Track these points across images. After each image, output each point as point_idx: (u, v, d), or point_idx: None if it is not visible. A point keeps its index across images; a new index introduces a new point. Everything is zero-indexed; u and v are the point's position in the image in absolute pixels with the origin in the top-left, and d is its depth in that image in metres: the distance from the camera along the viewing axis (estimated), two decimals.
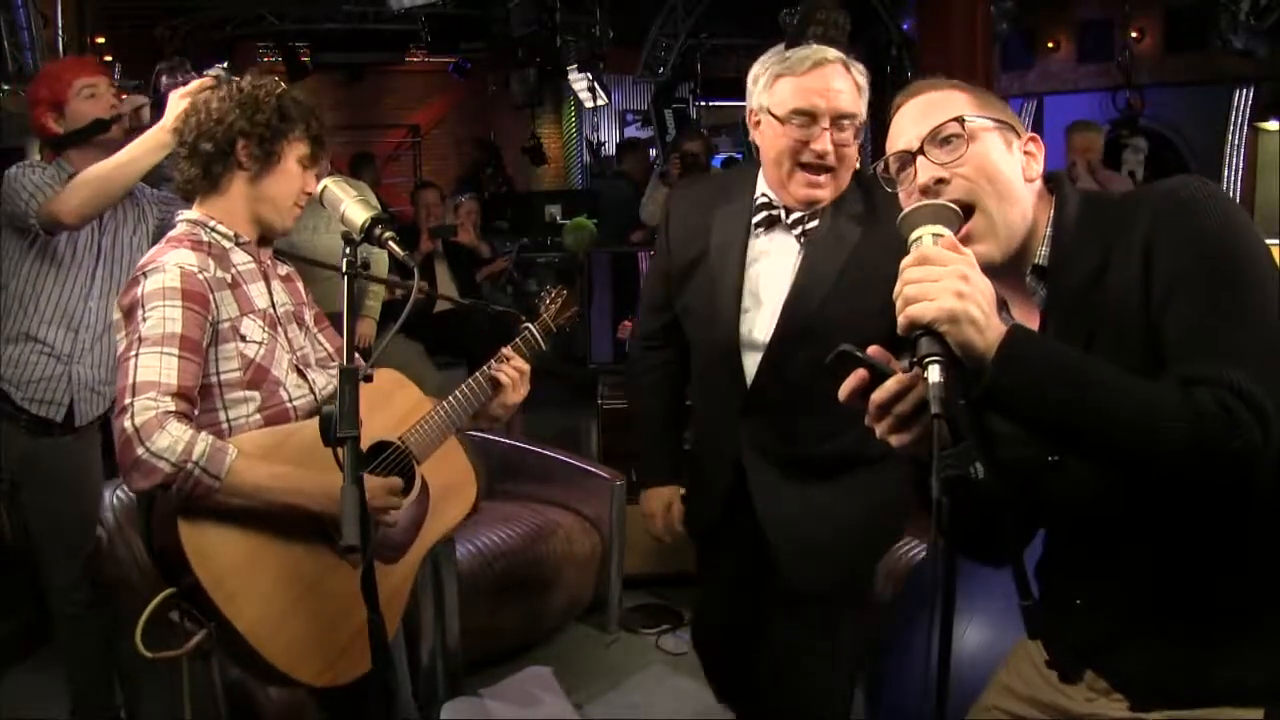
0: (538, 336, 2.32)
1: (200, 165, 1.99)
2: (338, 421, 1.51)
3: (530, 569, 3.67)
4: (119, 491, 2.87)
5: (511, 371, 2.22)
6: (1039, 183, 1.45)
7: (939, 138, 1.39)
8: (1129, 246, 1.32)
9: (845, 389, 1.30)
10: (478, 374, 2.22)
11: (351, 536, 1.47)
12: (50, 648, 3.72)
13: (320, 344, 2.19)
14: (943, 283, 1.21)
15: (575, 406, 5.61)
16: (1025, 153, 1.44)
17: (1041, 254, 1.42)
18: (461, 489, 2.24)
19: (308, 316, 2.18)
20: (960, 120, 1.39)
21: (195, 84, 2.25)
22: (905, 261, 1.26)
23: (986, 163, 1.38)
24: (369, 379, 2.17)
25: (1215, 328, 1.24)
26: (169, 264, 1.91)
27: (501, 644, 3.65)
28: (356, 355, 1.69)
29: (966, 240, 1.34)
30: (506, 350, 2.25)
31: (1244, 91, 7.62)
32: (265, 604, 1.86)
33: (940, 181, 1.38)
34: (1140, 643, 1.39)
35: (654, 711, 3.38)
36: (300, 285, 2.21)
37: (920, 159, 1.40)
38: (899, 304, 1.24)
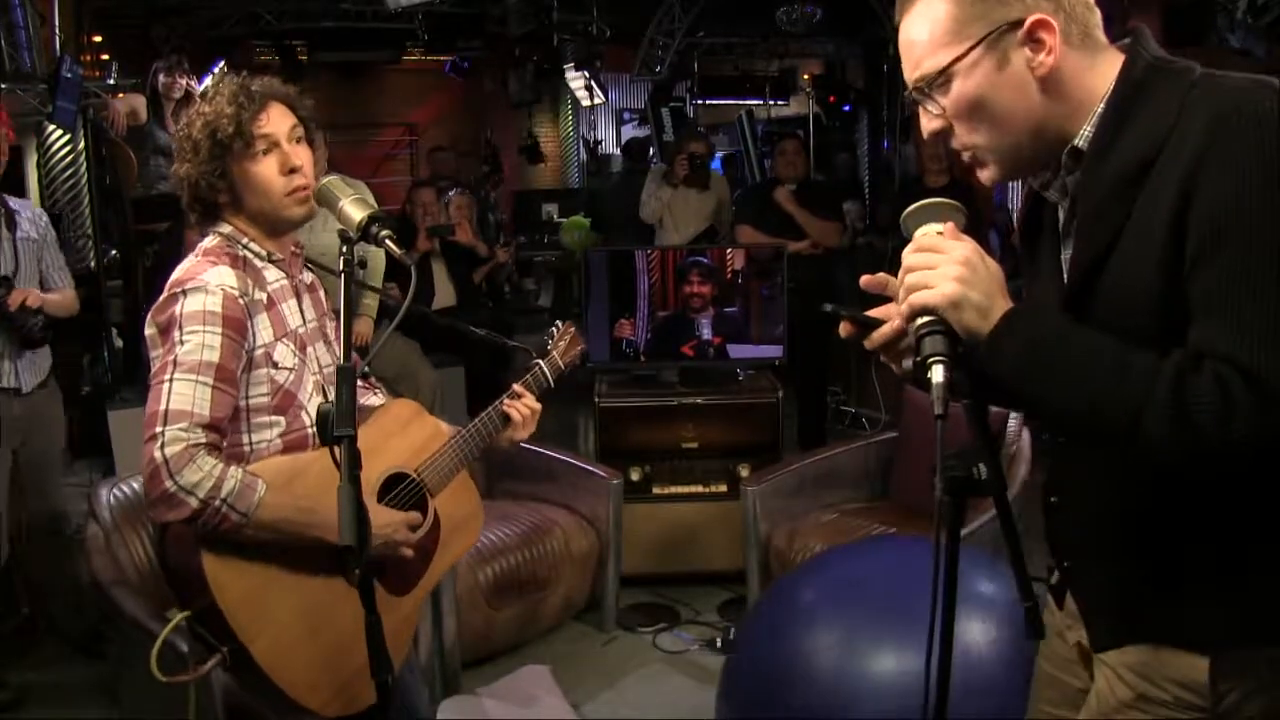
0: (547, 375, 2.32)
1: (198, 216, 1.97)
2: (334, 420, 1.51)
3: (528, 568, 3.67)
4: (116, 490, 2.86)
5: (524, 409, 2.22)
6: (1096, 53, 1.28)
7: (921, 92, 1.32)
8: (1180, 149, 1.19)
9: (843, 333, 1.37)
10: (489, 410, 2.21)
11: (349, 536, 1.46)
12: (50, 647, 3.74)
13: (339, 357, 2.13)
14: (943, 269, 1.22)
15: (573, 405, 5.61)
16: (1031, 45, 1.25)
17: (1085, 134, 1.28)
18: (470, 522, 2.24)
19: (329, 329, 2.13)
20: (928, 78, 1.30)
21: None
22: (908, 249, 1.27)
23: (969, 102, 1.28)
24: (365, 376, 2.20)
25: (1240, 292, 1.14)
26: (211, 284, 1.85)
27: (499, 642, 3.65)
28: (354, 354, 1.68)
29: (973, 163, 1.34)
30: (518, 387, 2.24)
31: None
32: (280, 631, 1.85)
33: (939, 134, 1.33)
34: (1100, 558, 1.39)
35: (651, 710, 3.38)
36: (322, 295, 2.16)
37: (920, 109, 1.35)
38: (901, 292, 1.25)
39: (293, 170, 1.94)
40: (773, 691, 2.45)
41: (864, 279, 1.34)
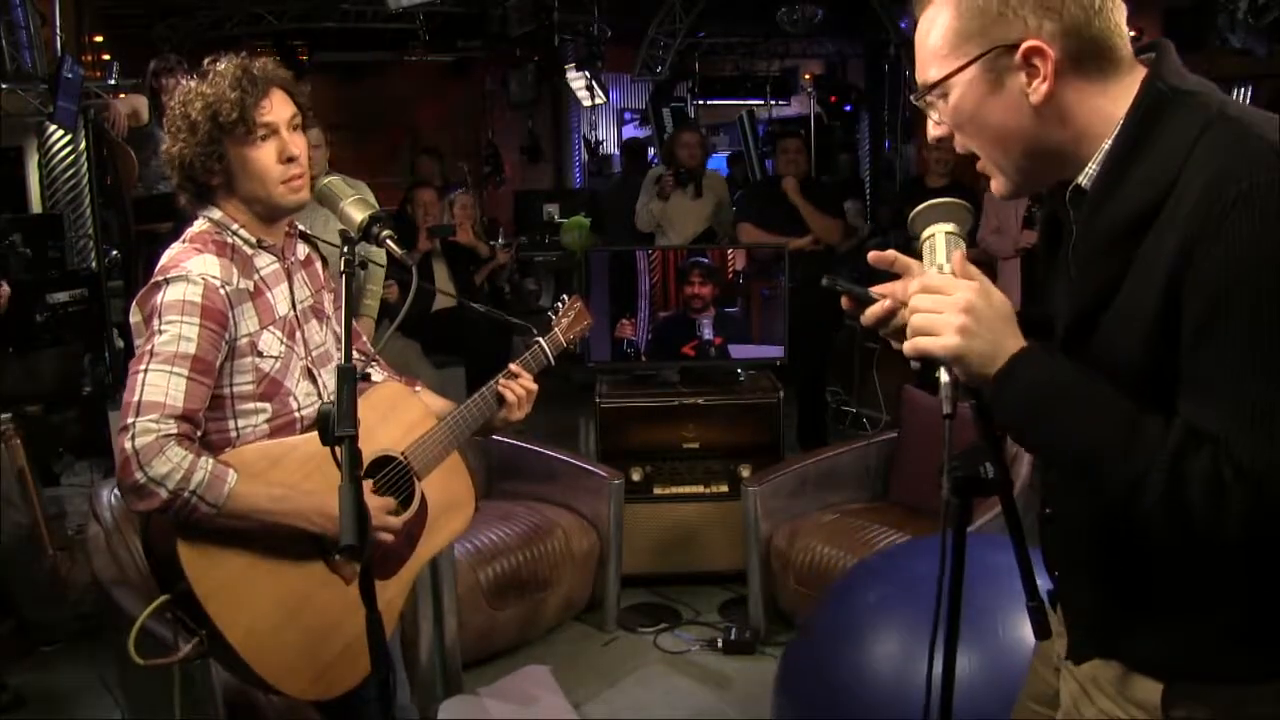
0: (548, 352, 2.29)
1: (189, 197, 1.96)
2: (335, 421, 1.51)
3: (528, 568, 3.67)
4: (117, 490, 2.86)
5: (519, 389, 2.19)
6: (1112, 77, 1.22)
7: (925, 99, 1.30)
8: (1179, 210, 1.13)
9: (845, 306, 1.38)
10: (484, 389, 2.19)
11: (350, 536, 1.46)
12: (49, 648, 3.74)
13: (336, 332, 2.12)
14: (945, 316, 1.20)
15: (574, 405, 5.61)
16: (1027, 69, 1.20)
17: (1090, 173, 1.24)
18: (460, 505, 2.22)
19: (327, 303, 2.12)
20: (927, 87, 1.28)
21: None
22: (912, 288, 1.25)
23: (966, 115, 1.26)
24: (366, 377, 2.20)
25: (1237, 375, 1.10)
26: (194, 273, 1.85)
27: (500, 643, 3.65)
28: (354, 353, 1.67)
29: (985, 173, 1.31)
30: (515, 367, 2.22)
31: (1242, 90, 7.62)
32: (257, 618, 1.86)
33: (941, 140, 1.32)
34: (1081, 572, 1.39)
35: (651, 710, 3.38)
36: (319, 267, 2.15)
37: (927, 113, 1.33)
38: (908, 332, 1.24)
39: (290, 159, 1.93)
40: (835, 693, 2.46)
41: (871, 255, 1.33)
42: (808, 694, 2.60)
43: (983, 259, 5.11)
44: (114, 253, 5.99)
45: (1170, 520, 1.13)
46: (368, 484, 1.99)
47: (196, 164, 1.91)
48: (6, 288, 3.52)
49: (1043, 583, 1.45)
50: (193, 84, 1.93)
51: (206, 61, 1.94)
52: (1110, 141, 1.21)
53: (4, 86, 5.30)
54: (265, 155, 1.92)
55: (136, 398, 1.78)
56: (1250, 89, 7.60)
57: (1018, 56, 1.20)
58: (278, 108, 1.93)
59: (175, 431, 1.77)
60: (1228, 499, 1.09)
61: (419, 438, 2.11)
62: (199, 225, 1.96)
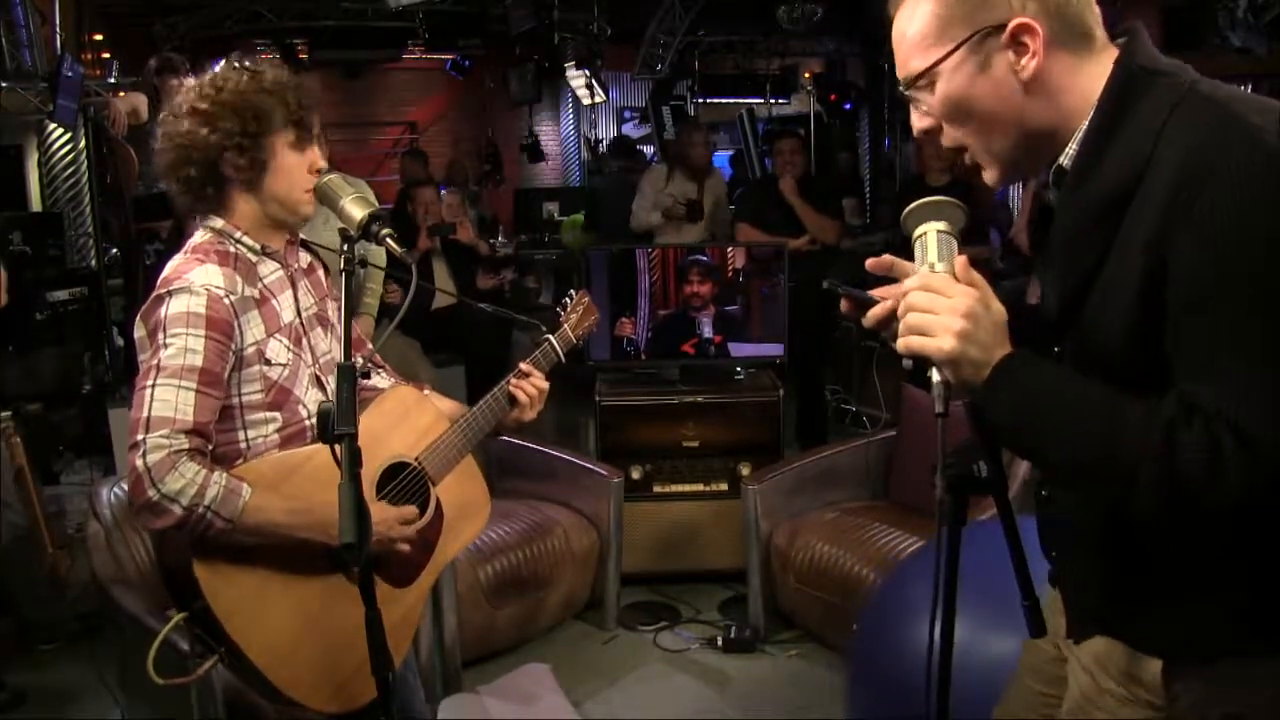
0: (557, 349, 2.28)
1: (195, 190, 1.91)
2: (335, 419, 1.50)
3: (528, 566, 3.67)
4: (117, 489, 2.87)
5: (531, 389, 2.18)
6: (1090, 55, 1.24)
7: (909, 90, 1.31)
8: (1153, 192, 1.15)
9: (843, 309, 1.38)
10: (495, 390, 2.17)
11: (349, 534, 1.46)
12: (49, 647, 3.75)
13: (340, 339, 2.09)
14: (943, 319, 1.20)
15: (574, 404, 5.61)
16: (1015, 48, 1.22)
17: (1070, 152, 1.26)
18: (476, 508, 2.20)
19: (332, 311, 2.11)
20: (913, 78, 1.28)
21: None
22: (909, 283, 1.24)
23: (953, 103, 1.27)
24: (366, 375, 2.19)
25: (1228, 348, 1.11)
26: (196, 284, 1.82)
27: (499, 641, 3.65)
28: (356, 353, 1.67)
29: (972, 164, 1.32)
30: (525, 366, 2.20)
31: (1242, 89, 7.62)
32: (276, 632, 1.84)
33: (929, 132, 1.32)
34: (1078, 553, 1.40)
35: (651, 709, 3.38)
36: (322, 274, 2.14)
37: (911, 106, 1.33)
38: (901, 328, 1.24)
39: (319, 171, 1.94)
40: (899, 687, 2.45)
41: (870, 261, 1.33)
42: (873, 688, 2.62)
43: (980, 259, 5.11)
44: (114, 251, 6.00)
45: (1171, 502, 1.13)
46: (381, 495, 1.99)
47: (227, 151, 1.86)
48: (4, 272, 3.51)
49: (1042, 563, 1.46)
50: (244, 76, 1.90)
51: (233, 57, 1.94)
52: (1088, 122, 1.24)
53: (4, 85, 5.30)
54: (303, 162, 1.93)
55: (145, 413, 1.76)
56: (1249, 88, 7.60)
57: (1005, 36, 1.21)
58: (318, 122, 1.96)
59: (187, 446, 1.75)
60: (1227, 466, 1.10)
61: (433, 442, 2.09)
62: (200, 236, 1.94)
